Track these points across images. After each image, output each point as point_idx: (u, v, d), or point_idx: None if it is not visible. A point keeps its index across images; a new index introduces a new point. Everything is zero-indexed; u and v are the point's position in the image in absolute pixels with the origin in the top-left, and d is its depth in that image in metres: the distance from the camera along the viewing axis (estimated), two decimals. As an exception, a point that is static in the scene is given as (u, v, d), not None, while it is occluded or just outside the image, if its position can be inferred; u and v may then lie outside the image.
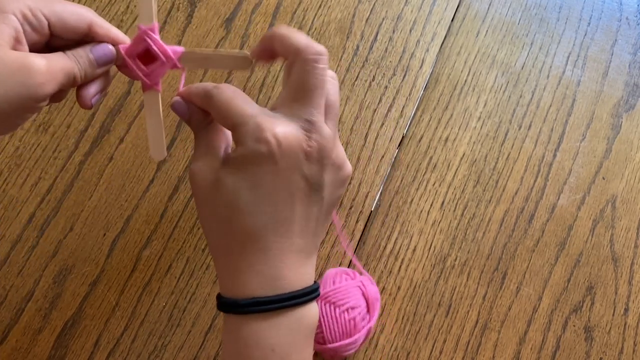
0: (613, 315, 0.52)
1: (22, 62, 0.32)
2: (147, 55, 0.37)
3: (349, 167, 0.37)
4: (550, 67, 0.59)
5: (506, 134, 0.57)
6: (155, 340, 0.49)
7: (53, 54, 0.35)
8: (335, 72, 0.57)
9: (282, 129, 0.33)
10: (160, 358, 0.48)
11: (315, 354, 0.50)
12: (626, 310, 0.53)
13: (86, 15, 0.36)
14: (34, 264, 0.50)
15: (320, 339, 0.46)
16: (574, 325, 0.52)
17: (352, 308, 0.46)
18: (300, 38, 0.35)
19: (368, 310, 0.47)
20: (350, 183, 0.54)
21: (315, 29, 0.58)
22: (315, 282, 0.37)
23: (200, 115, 0.37)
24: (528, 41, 0.60)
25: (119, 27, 0.56)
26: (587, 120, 0.58)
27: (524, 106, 0.58)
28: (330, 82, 0.36)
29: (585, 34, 0.60)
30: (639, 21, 0.62)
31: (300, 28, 0.58)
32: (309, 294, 0.35)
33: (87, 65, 0.36)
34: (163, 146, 0.39)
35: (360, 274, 0.50)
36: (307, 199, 0.35)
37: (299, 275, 0.35)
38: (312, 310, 0.36)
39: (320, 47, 0.35)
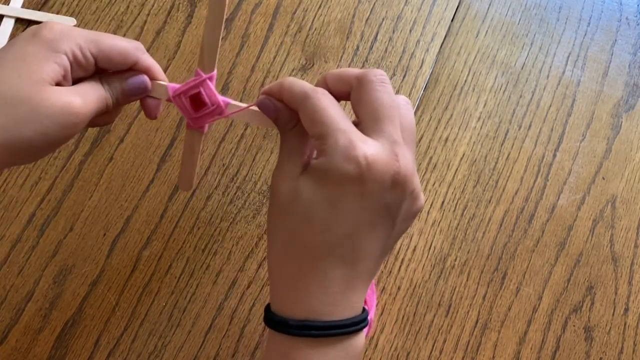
0: (613, 315, 0.52)
1: (63, 103, 0.33)
2: (199, 98, 0.37)
3: (422, 199, 0.35)
4: (550, 67, 0.59)
5: (506, 134, 0.57)
6: (155, 340, 0.49)
7: (88, 85, 0.35)
8: (335, 72, 0.57)
9: (374, 150, 0.31)
10: (160, 358, 0.48)
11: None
12: (626, 310, 0.53)
13: (133, 55, 0.36)
14: (34, 264, 0.50)
15: None
16: (574, 325, 0.52)
17: None
18: (350, 71, 0.35)
19: (365, 302, 0.47)
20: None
21: (315, 29, 0.58)
22: (364, 309, 0.35)
23: (289, 114, 0.35)
24: (528, 41, 0.60)
25: (118, 27, 0.56)
26: (587, 120, 0.58)
27: (524, 106, 0.58)
28: (402, 104, 0.35)
29: (585, 34, 0.60)
30: (639, 21, 0.62)
31: (300, 28, 0.58)
32: (358, 324, 0.34)
33: (119, 94, 0.36)
34: (193, 180, 0.40)
35: None
36: (382, 228, 0.33)
37: (352, 303, 0.34)
38: (360, 340, 0.34)
39: (380, 70, 0.34)
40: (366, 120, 0.33)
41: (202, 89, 0.37)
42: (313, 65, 0.57)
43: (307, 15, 0.58)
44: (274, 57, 0.57)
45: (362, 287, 0.34)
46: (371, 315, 0.48)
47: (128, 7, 0.57)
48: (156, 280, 0.50)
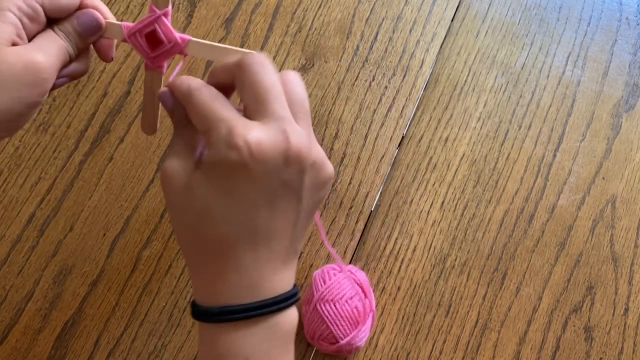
0: (613, 315, 0.52)
1: (25, 62, 0.32)
2: (153, 37, 0.37)
3: (330, 167, 0.35)
4: (550, 67, 0.59)
5: (506, 134, 0.57)
6: (155, 340, 0.49)
7: (44, 38, 0.34)
8: (335, 72, 0.57)
9: (256, 133, 0.31)
10: (160, 358, 0.48)
11: (331, 356, 0.50)
12: (626, 310, 0.53)
13: None
14: (34, 264, 0.50)
15: (332, 339, 0.46)
16: (574, 325, 0.52)
17: (350, 298, 0.47)
18: (233, 59, 0.34)
19: (365, 296, 0.48)
20: (350, 183, 0.54)
21: (315, 29, 0.58)
22: (295, 286, 0.35)
23: (183, 112, 0.36)
24: (528, 41, 0.60)
25: (119, 27, 0.56)
26: (587, 120, 0.58)
27: (524, 106, 0.58)
28: (289, 80, 0.34)
29: (585, 34, 0.60)
30: (639, 21, 0.62)
31: (300, 28, 0.58)
32: (284, 300, 0.34)
33: (76, 39, 0.36)
34: (156, 123, 0.38)
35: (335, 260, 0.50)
36: (285, 205, 0.33)
37: (276, 282, 0.34)
38: (290, 316, 0.34)
39: (257, 53, 0.34)
40: (250, 104, 0.33)
41: (157, 26, 0.36)
42: (313, 65, 0.57)
43: (307, 15, 0.58)
44: (274, 57, 0.57)
45: (284, 264, 0.34)
46: (373, 306, 0.48)
47: (128, 7, 0.57)
48: (156, 280, 0.50)
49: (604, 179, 0.56)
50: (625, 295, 0.53)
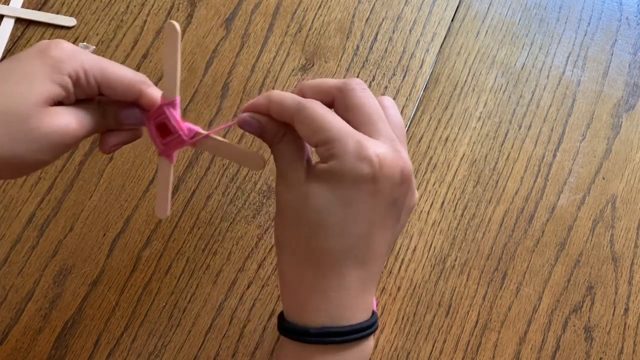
0: (613, 315, 0.52)
1: (60, 126, 0.33)
2: (166, 126, 0.37)
3: (417, 194, 0.35)
4: (550, 67, 0.59)
5: (506, 134, 0.57)
6: (155, 340, 0.49)
7: (86, 107, 0.35)
8: (335, 72, 0.57)
9: (382, 149, 0.32)
10: (160, 358, 0.48)
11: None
12: (626, 310, 0.53)
13: (136, 88, 0.35)
14: (34, 264, 0.50)
15: None
16: (574, 325, 0.52)
17: None
18: (328, 82, 0.35)
19: None
20: (350, 183, 0.54)
21: (315, 29, 0.58)
22: (374, 312, 0.35)
23: (275, 127, 0.35)
24: (528, 41, 0.60)
25: (118, 27, 0.56)
26: (587, 120, 0.58)
27: (524, 106, 0.58)
28: (387, 105, 0.35)
29: (585, 34, 0.60)
30: (639, 21, 0.62)
31: (300, 28, 0.58)
32: (372, 326, 0.34)
33: (112, 121, 0.36)
34: (168, 206, 0.39)
35: None
36: (390, 224, 0.33)
37: (366, 305, 0.34)
38: (371, 341, 0.34)
39: (358, 79, 0.35)
40: (360, 125, 0.33)
41: (167, 116, 0.36)
42: (313, 65, 0.57)
43: (307, 15, 0.58)
44: (274, 57, 0.57)
45: (374, 287, 0.34)
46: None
47: (128, 7, 0.57)
48: (156, 280, 0.50)
49: (604, 179, 0.56)
50: (625, 295, 0.53)
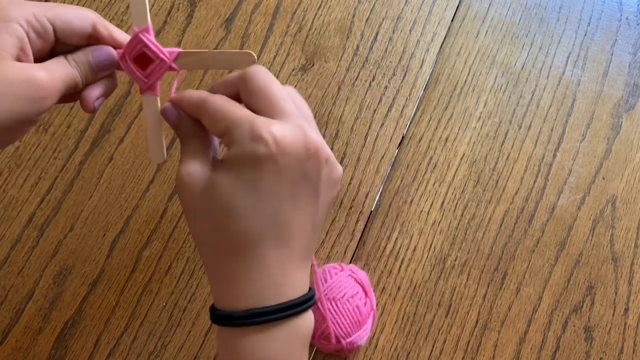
0: (613, 315, 0.52)
1: (25, 77, 0.32)
2: (144, 58, 0.36)
3: (339, 167, 0.36)
4: (550, 67, 0.59)
5: (506, 134, 0.57)
6: (155, 340, 0.49)
7: (53, 61, 0.34)
8: (335, 72, 0.57)
9: (278, 126, 0.32)
10: (160, 358, 0.48)
11: (331, 355, 0.50)
12: (626, 310, 0.53)
13: (89, 16, 0.35)
14: (34, 264, 0.50)
15: (333, 338, 0.46)
16: (574, 325, 0.52)
17: (352, 297, 0.47)
18: (232, 75, 0.35)
19: (367, 295, 0.48)
20: (350, 183, 0.54)
21: (315, 29, 0.58)
22: (310, 288, 0.35)
23: (189, 122, 0.36)
24: (528, 41, 0.60)
25: (119, 26, 0.56)
26: (587, 120, 0.58)
27: (524, 106, 0.58)
28: (294, 92, 0.36)
29: (585, 34, 0.60)
30: (639, 21, 0.62)
31: (300, 28, 0.58)
32: (305, 302, 0.34)
33: (87, 70, 0.36)
34: (163, 149, 0.38)
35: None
36: (306, 200, 0.34)
37: (296, 283, 0.34)
38: (307, 318, 0.34)
39: (249, 52, 0.35)
40: (263, 108, 0.34)
41: (145, 43, 0.36)
42: (313, 65, 0.57)
43: (307, 15, 0.58)
44: (274, 57, 0.57)
45: (302, 265, 0.35)
46: (374, 306, 0.48)
47: (128, 7, 0.57)
48: (156, 280, 0.50)
49: (604, 179, 0.56)
50: (625, 295, 0.53)
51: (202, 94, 0.35)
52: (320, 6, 0.59)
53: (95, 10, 0.56)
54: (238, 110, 0.33)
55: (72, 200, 0.51)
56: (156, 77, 0.37)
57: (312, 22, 0.58)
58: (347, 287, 0.47)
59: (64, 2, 0.57)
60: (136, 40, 0.36)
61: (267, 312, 0.32)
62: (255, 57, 0.36)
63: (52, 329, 0.48)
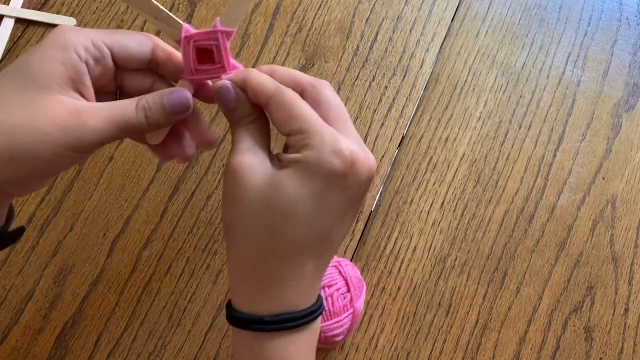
0: (613, 315, 0.52)
1: (75, 118, 0.30)
2: (205, 54, 0.34)
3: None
4: (550, 67, 0.59)
5: (506, 134, 0.57)
6: (155, 340, 0.49)
7: (109, 103, 0.32)
8: (335, 72, 0.57)
9: (356, 147, 0.32)
10: (160, 358, 0.48)
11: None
12: (626, 310, 0.53)
13: (148, 41, 0.34)
14: (34, 264, 0.50)
15: None
16: (574, 325, 0.52)
17: (329, 286, 0.46)
18: (300, 73, 0.35)
19: (348, 290, 0.47)
20: (350, 183, 0.54)
21: (315, 29, 0.58)
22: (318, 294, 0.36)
23: (248, 108, 0.34)
24: (528, 41, 0.60)
25: (118, 27, 0.56)
26: (587, 120, 0.58)
27: (524, 106, 0.58)
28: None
29: (585, 34, 0.60)
30: (639, 21, 0.62)
31: (300, 28, 0.58)
32: (320, 307, 0.34)
33: (159, 114, 0.33)
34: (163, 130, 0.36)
35: None
36: (351, 218, 0.34)
37: (316, 290, 0.34)
38: (318, 322, 0.35)
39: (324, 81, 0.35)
40: (331, 121, 0.33)
41: (216, 44, 0.33)
42: (313, 65, 0.57)
43: (307, 15, 0.58)
44: (274, 57, 0.57)
45: (324, 273, 0.35)
46: (357, 306, 0.47)
47: (128, 6, 0.57)
48: (156, 280, 0.50)
49: (604, 179, 0.56)
50: (625, 295, 0.53)
51: (276, 83, 0.33)
52: (320, 6, 0.58)
53: (95, 11, 0.56)
54: (315, 115, 0.32)
55: (72, 200, 0.51)
56: (204, 77, 0.35)
57: (312, 22, 0.58)
58: (326, 276, 0.46)
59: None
60: (214, 35, 0.34)
61: (297, 318, 0.33)
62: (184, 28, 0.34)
63: (52, 329, 0.48)
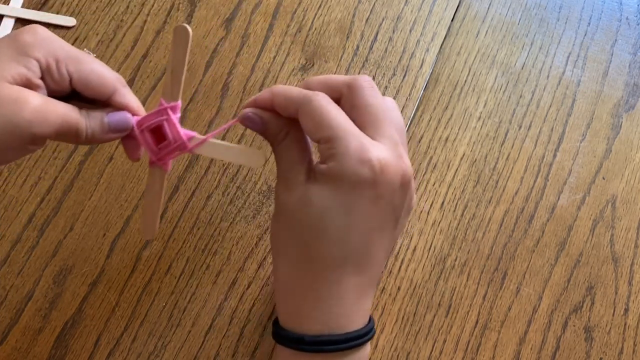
0: (613, 315, 0.52)
1: (17, 96, 0.30)
2: (159, 131, 0.34)
3: (415, 196, 0.35)
4: (550, 67, 0.59)
5: (506, 134, 0.57)
6: (155, 340, 0.49)
7: (61, 102, 0.32)
8: (335, 72, 0.57)
9: (384, 153, 0.31)
10: (160, 358, 0.48)
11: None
12: (626, 310, 0.53)
13: (111, 84, 0.34)
14: (34, 264, 0.50)
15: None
16: (574, 325, 0.52)
17: None
18: (336, 78, 0.34)
19: None
20: (350, 183, 0.54)
21: (315, 29, 0.58)
22: (370, 318, 0.34)
23: (278, 123, 0.34)
24: (528, 41, 0.60)
25: (118, 27, 0.56)
26: (587, 120, 0.58)
27: (524, 106, 0.58)
28: (392, 107, 0.34)
29: (585, 34, 0.60)
30: (639, 21, 0.62)
31: (300, 28, 0.58)
32: (369, 333, 0.33)
33: (97, 126, 0.34)
34: (156, 225, 0.36)
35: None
36: (389, 230, 0.32)
37: (363, 312, 0.33)
38: (367, 349, 0.34)
39: (367, 76, 0.33)
40: (365, 125, 0.32)
41: (165, 122, 0.34)
42: (313, 65, 0.57)
43: (307, 15, 0.58)
44: (274, 57, 0.57)
45: (372, 293, 0.34)
46: None
47: (128, 6, 0.57)
48: (156, 280, 0.50)
49: (604, 179, 0.56)
50: (625, 295, 0.53)
51: (303, 91, 0.33)
52: (320, 6, 0.59)
53: (95, 11, 0.56)
54: (345, 121, 0.31)
55: (72, 200, 0.51)
56: (169, 156, 0.35)
57: (312, 22, 0.58)
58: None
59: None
60: (161, 114, 0.34)
61: (337, 341, 0.32)
62: (267, 157, 0.34)
63: (52, 329, 0.48)
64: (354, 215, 0.31)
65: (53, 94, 0.33)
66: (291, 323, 0.33)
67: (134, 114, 0.35)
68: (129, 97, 0.35)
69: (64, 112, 0.32)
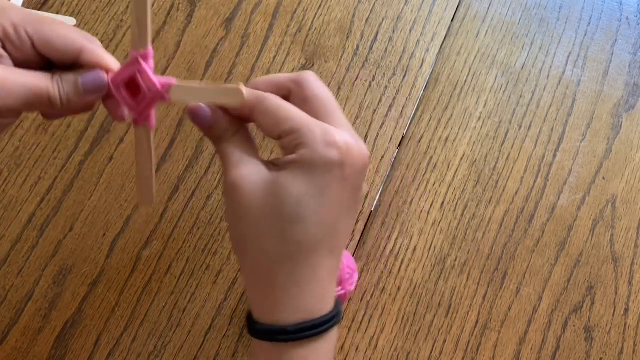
0: (613, 315, 0.52)
1: None
2: (133, 85, 0.33)
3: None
4: (550, 67, 0.59)
5: (506, 134, 0.57)
6: (155, 340, 0.49)
7: (28, 71, 0.31)
8: (335, 72, 0.57)
9: (347, 136, 0.32)
10: (160, 358, 0.48)
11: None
12: (626, 310, 0.53)
13: (77, 42, 0.32)
14: (34, 264, 0.50)
15: None
16: (574, 325, 0.52)
17: None
18: (281, 77, 0.35)
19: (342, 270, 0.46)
20: (350, 183, 0.54)
21: (315, 29, 0.58)
22: (335, 298, 0.35)
23: (226, 123, 0.34)
24: (528, 41, 0.60)
25: (118, 27, 0.56)
26: (587, 120, 0.58)
27: (524, 106, 0.58)
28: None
29: (585, 34, 0.60)
30: (639, 21, 0.61)
31: (300, 28, 0.58)
32: (340, 312, 0.34)
33: (71, 90, 0.32)
34: (152, 190, 0.35)
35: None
36: (355, 210, 0.34)
37: (331, 294, 0.33)
38: (336, 329, 0.34)
39: (308, 71, 0.35)
40: (319, 115, 0.33)
41: (137, 72, 0.32)
42: (313, 65, 0.57)
43: (307, 15, 0.58)
44: (274, 57, 0.57)
45: (337, 274, 0.35)
46: (341, 293, 0.47)
47: (128, 6, 0.57)
48: (156, 280, 0.50)
49: (604, 179, 0.56)
50: (625, 295, 0.53)
51: (255, 91, 0.33)
52: (320, 6, 0.58)
53: (95, 11, 0.56)
54: (302, 113, 0.32)
55: (72, 200, 0.51)
56: (150, 108, 0.33)
57: (312, 22, 0.58)
58: None
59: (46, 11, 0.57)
60: (133, 65, 0.32)
61: (317, 325, 0.32)
62: (245, 93, 0.33)
63: (52, 329, 0.48)
64: (326, 196, 0.32)
65: (23, 64, 0.32)
66: (269, 315, 0.33)
67: (109, 71, 0.33)
68: (99, 52, 0.33)
69: (29, 80, 0.31)
